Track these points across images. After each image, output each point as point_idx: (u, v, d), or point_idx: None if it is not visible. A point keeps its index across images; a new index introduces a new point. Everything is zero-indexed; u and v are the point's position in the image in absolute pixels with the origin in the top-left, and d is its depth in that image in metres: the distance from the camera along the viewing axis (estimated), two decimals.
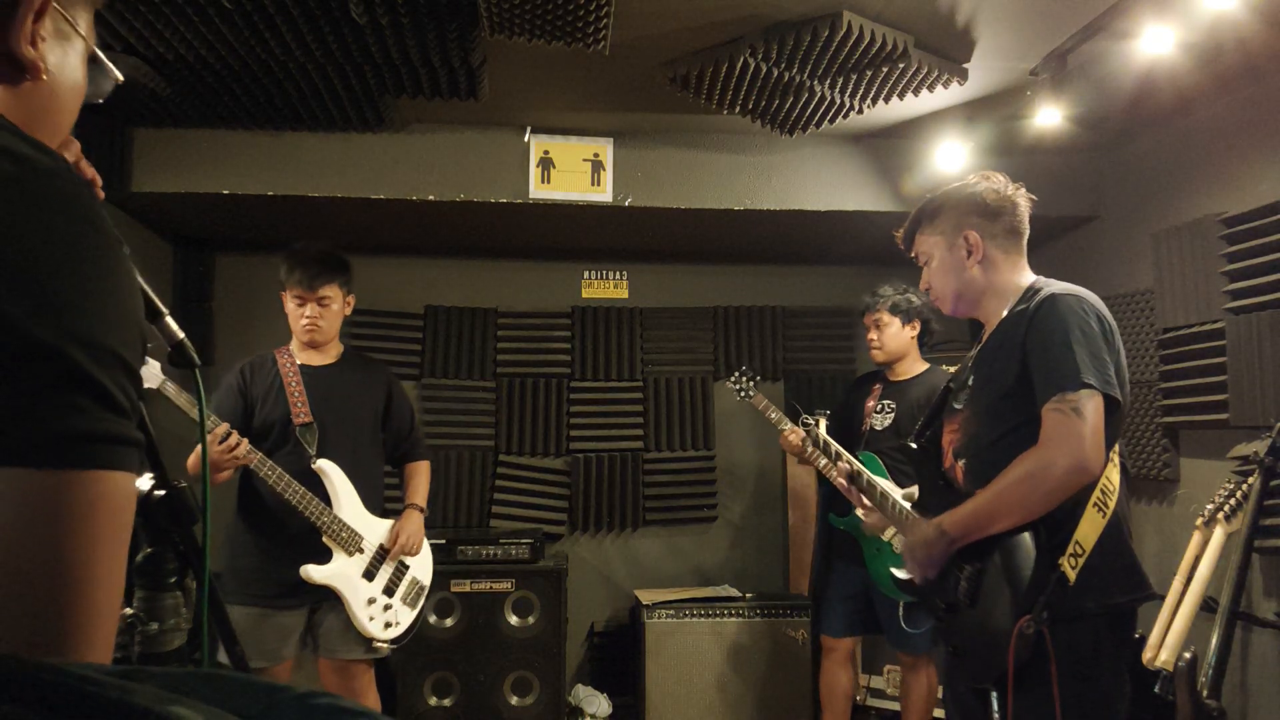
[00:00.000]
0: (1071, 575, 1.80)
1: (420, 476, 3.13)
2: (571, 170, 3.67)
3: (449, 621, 3.79)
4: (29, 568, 0.63)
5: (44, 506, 0.64)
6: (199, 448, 2.65)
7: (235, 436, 2.63)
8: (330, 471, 2.83)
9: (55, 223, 0.68)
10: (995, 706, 1.92)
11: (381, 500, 3.02)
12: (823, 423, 3.34)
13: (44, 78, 0.79)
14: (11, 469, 0.62)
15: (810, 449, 3.38)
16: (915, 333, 3.44)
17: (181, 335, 1.08)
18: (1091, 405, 1.80)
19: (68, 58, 0.82)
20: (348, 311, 2.98)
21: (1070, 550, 1.81)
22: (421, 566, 3.04)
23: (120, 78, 0.92)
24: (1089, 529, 1.83)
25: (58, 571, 0.64)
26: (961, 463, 2.06)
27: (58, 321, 0.65)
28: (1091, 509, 1.84)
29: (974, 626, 1.94)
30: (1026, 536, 1.85)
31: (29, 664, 0.43)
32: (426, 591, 3.04)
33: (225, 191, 3.49)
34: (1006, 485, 1.85)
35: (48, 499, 0.64)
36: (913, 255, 2.19)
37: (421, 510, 3.06)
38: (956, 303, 2.11)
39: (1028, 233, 2.09)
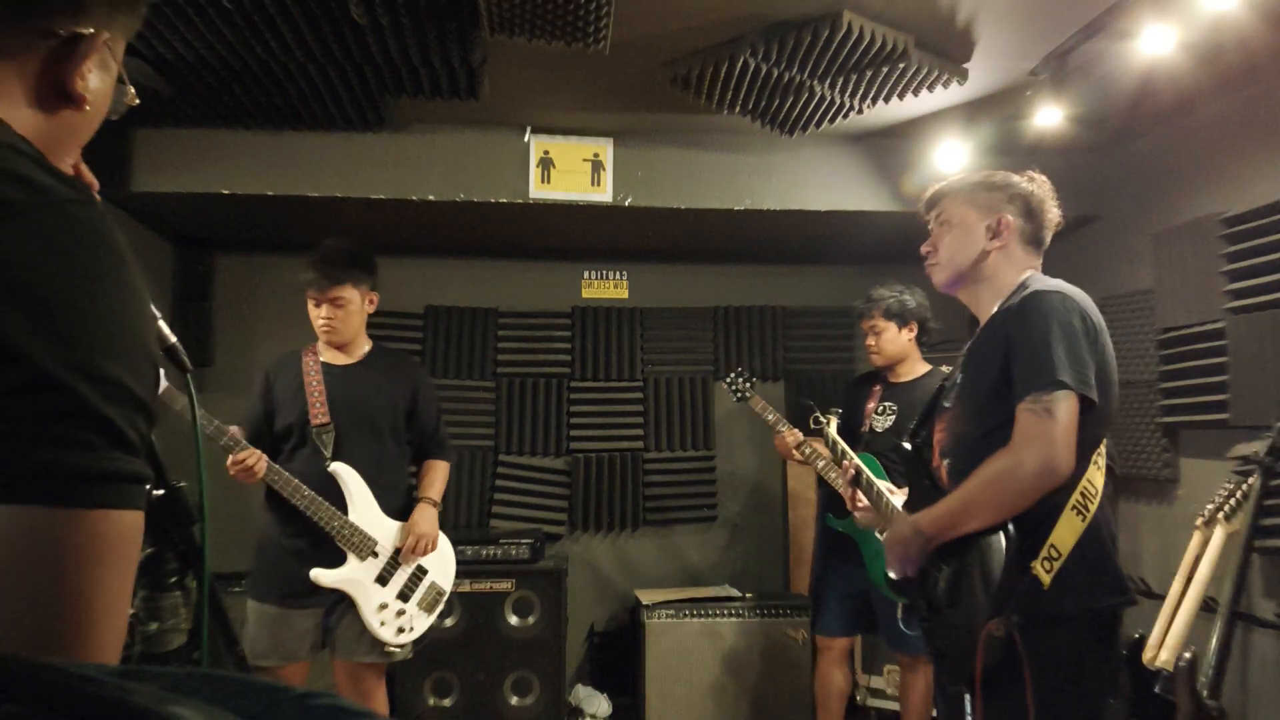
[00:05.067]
0: (1046, 579, 1.78)
1: (437, 472, 3.05)
2: (571, 170, 3.67)
3: (449, 621, 3.78)
4: (33, 604, 0.63)
5: (50, 544, 0.63)
6: (230, 456, 2.67)
7: (252, 455, 2.63)
8: (344, 474, 2.80)
9: (71, 253, 0.68)
10: (969, 708, 1.91)
11: (404, 502, 2.95)
12: (834, 422, 3.33)
13: (85, 109, 0.80)
14: (19, 506, 0.62)
15: (808, 451, 3.39)
16: (912, 335, 3.43)
17: (173, 339, 1.08)
18: (1064, 406, 1.78)
19: (104, 85, 0.83)
20: (371, 309, 2.93)
21: (1044, 554, 1.79)
22: (442, 571, 2.96)
23: (137, 100, 0.93)
24: (1066, 532, 1.81)
25: (61, 608, 0.64)
26: (947, 461, 2.05)
27: (70, 355, 0.65)
28: (1070, 512, 1.82)
29: (952, 627, 1.93)
30: (998, 538, 1.83)
31: (29, 664, 0.43)
32: (447, 596, 2.96)
33: (225, 191, 3.49)
34: (976, 485, 1.85)
35: (54, 537, 0.64)
36: (929, 216, 2.15)
37: (435, 504, 2.97)
38: (956, 276, 2.08)
39: (1044, 248, 2.10)
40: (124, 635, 0.71)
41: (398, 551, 2.86)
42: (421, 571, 2.91)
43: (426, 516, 2.92)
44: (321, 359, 2.90)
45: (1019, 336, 1.87)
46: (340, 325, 2.84)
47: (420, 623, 2.90)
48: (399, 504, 2.92)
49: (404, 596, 2.87)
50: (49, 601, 0.64)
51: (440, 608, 2.96)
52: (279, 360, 2.93)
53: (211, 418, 2.61)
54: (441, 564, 2.97)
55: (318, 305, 2.83)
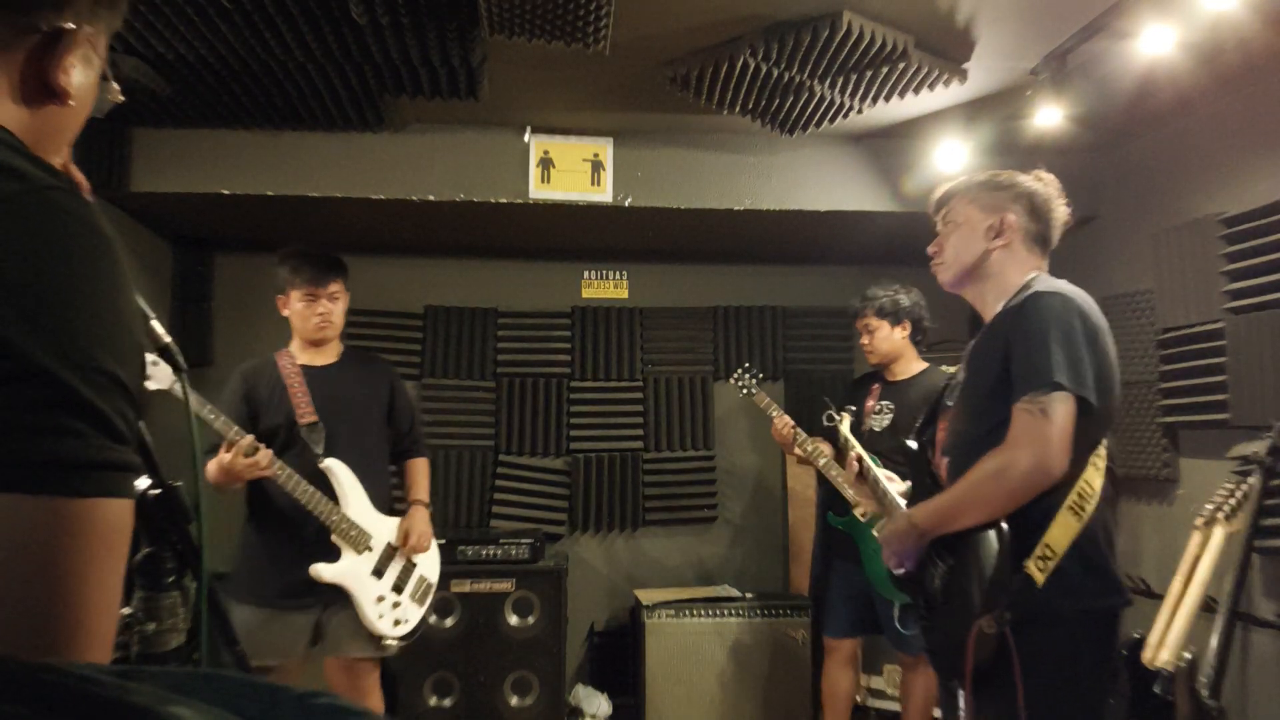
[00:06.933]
0: (1039, 578, 1.80)
1: (422, 473, 3.15)
2: (571, 170, 3.67)
3: (449, 621, 3.79)
4: (23, 595, 0.63)
5: (39, 534, 0.63)
6: (214, 458, 2.66)
7: (262, 451, 2.65)
8: (338, 470, 2.84)
9: (54, 240, 0.67)
10: (961, 704, 1.92)
11: (389, 498, 3.02)
12: (847, 420, 3.36)
13: (70, 104, 0.80)
14: (8, 496, 0.62)
15: (810, 449, 3.40)
16: (906, 333, 3.45)
17: (168, 339, 1.08)
18: (1061, 408, 1.80)
19: (87, 81, 0.83)
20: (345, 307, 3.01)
21: (1038, 553, 1.81)
22: (429, 564, 3.04)
23: (122, 98, 0.93)
24: (1061, 532, 1.82)
25: (52, 599, 0.64)
26: (947, 459, 2.07)
27: (54, 344, 0.64)
28: (1066, 512, 1.83)
29: (945, 624, 1.95)
30: (992, 536, 1.85)
31: (29, 664, 0.43)
32: (434, 588, 3.04)
33: (225, 191, 3.49)
34: (971, 482, 1.87)
35: (43, 527, 0.63)
36: (937, 217, 2.17)
37: (427, 506, 3.08)
38: (960, 275, 2.10)
39: (1052, 247, 2.10)
40: (116, 625, 0.70)
41: (389, 545, 2.91)
42: (411, 565, 2.97)
43: (423, 518, 3.02)
44: (299, 361, 2.93)
45: (1018, 337, 1.89)
46: (335, 319, 2.92)
47: (413, 614, 2.95)
48: (384, 498, 2.98)
49: (398, 589, 2.92)
50: (41, 591, 0.63)
51: (430, 599, 3.01)
52: (252, 365, 2.94)
53: (219, 412, 2.64)
54: (429, 557, 3.05)
55: (313, 301, 2.88)
